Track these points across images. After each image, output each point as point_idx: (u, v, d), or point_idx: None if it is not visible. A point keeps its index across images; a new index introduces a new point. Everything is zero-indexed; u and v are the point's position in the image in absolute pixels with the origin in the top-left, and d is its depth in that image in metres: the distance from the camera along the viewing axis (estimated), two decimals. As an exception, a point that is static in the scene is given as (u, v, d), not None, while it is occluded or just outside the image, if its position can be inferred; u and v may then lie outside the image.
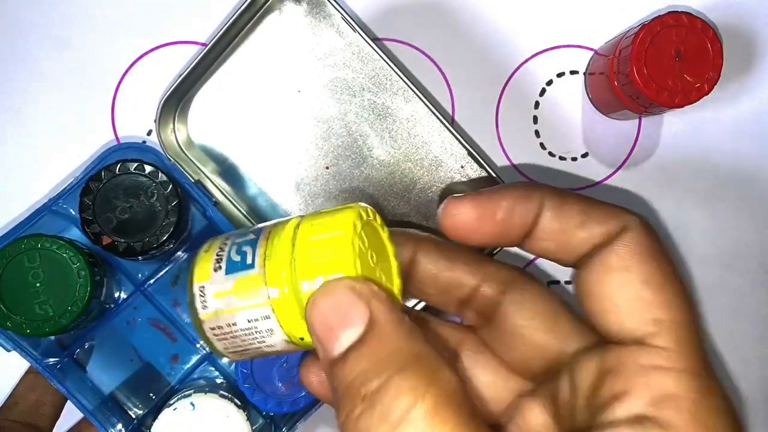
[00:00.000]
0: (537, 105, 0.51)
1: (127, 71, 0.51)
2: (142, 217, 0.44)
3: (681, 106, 0.44)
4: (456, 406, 0.23)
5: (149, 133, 0.51)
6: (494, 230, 0.29)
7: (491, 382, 0.32)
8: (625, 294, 0.27)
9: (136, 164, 0.44)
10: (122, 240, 0.44)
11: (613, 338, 0.27)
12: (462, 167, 0.48)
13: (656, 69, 0.43)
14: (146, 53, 0.51)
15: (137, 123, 0.51)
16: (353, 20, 0.46)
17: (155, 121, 0.48)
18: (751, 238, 0.51)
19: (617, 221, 0.28)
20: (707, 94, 0.44)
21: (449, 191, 0.48)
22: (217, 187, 0.49)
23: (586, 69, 0.51)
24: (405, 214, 0.49)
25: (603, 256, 0.27)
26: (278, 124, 0.49)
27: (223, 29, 0.46)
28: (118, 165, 0.44)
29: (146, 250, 0.44)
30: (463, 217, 0.30)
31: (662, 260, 0.27)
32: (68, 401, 0.48)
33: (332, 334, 0.25)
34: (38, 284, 0.43)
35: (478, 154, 0.47)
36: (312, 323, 0.25)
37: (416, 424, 0.23)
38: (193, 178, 0.48)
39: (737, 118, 0.50)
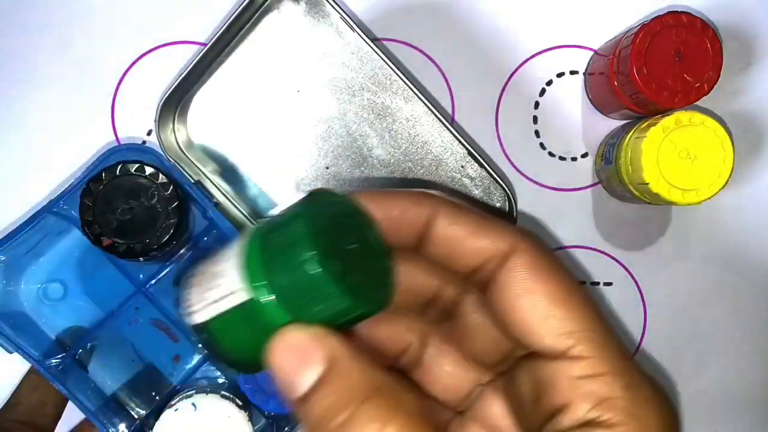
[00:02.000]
0: (537, 105, 0.51)
1: (127, 71, 0.51)
2: (143, 218, 0.44)
3: (681, 106, 0.44)
4: (420, 428, 0.25)
5: (149, 133, 0.51)
6: (389, 225, 0.30)
7: (452, 372, 0.34)
8: (537, 315, 0.28)
9: (136, 166, 0.44)
10: (122, 241, 0.44)
11: (537, 353, 0.29)
12: (462, 167, 0.48)
13: (656, 69, 0.43)
14: (146, 53, 0.51)
15: (137, 123, 0.51)
16: (352, 20, 0.46)
17: (155, 121, 0.48)
18: (751, 238, 0.51)
19: (507, 238, 0.29)
20: (707, 93, 0.44)
21: (450, 191, 0.48)
22: (218, 187, 0.49)
23: (586, 69, 0.51)
24: (405, 214, 0.49)
25: (505, 281, 0.29)
26: (278, 125, 0.49)
27: (222, 29, 0.46)
28: (119, 166, 0.44)
29: (146, 251, 0.44)
30: (378, 212, 0.31)
31: (561, 275, 0.29)
32: (68, 402, 0.48)
33: (294, 376, 0.26)
34: None
35: (479, 154, 0.47)
36: (273, 367, 0.27)
37: None
38: (193, 179, 0.48)
39: (736, 118, 0.50)
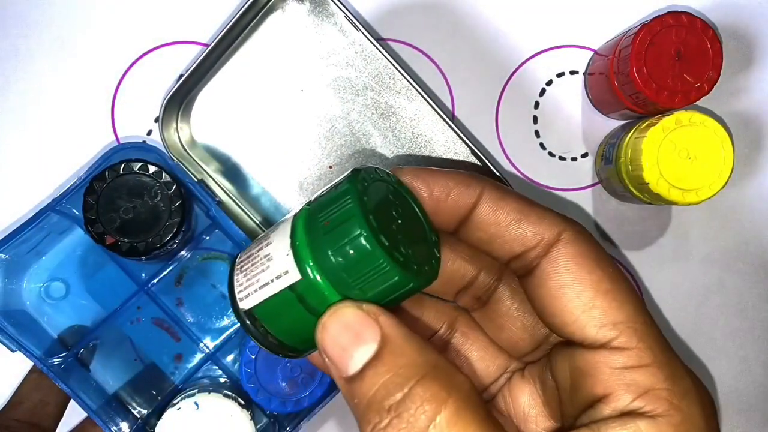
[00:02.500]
0: (537, 105, 0.51)
1: (127, 71, 0.51)
2: (146, 217, 0.44)
3: (681, 106, 0.44)
4: (474, 408, 0.25)
5: (149, 133, 0.51)
6: (428, 204, 0.30)
7: (481, 357, 0.34)
8: (581, 306, 0.28)
9: (140, 164, 0.44)
10: (125, 240, 0.44)
11: (577, 342, 0.29)
12: (465, 166, 0.48)
13: (656, 69, 0.44)
14: (146, 53, 0.51)
15: (137, 123, 0.51)
16: (356, 19, 0.46)
17: (158, 120, 0.48)
18: (751, 238, 0.52)
19: (552, 226, 0.29)
20: (707, 93, 0.44)
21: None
22: (220, 186, 0.49)
23: (586, 69, 0.51)
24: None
25: (549, 270, 0.29)
26: (281, 124, 0.49)
27: (226, 28, 0.46)
28: (122, 165, 0.44)
29: (149, 250, 0.44)
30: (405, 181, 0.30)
31: (605, 265, 0.29)
32: (71, 401, 0.48)
33: (345, 353, 0.26)
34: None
35: (482, 153, 0.47)
36: (324, 345, 0.27)
37: (442, 429, 0.24)
38: (196, 178, 0.48)
39: (735, 118, 0.51)
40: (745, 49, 0.51)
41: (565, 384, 0.29)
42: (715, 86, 0.44)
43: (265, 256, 0.28)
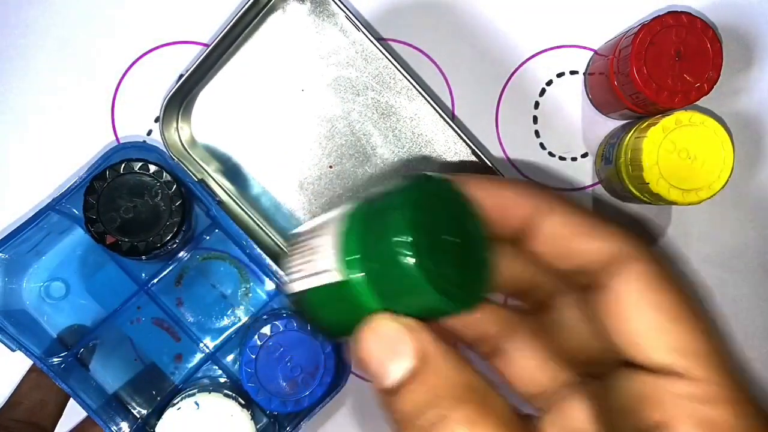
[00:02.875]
0: (537, 105, 0.51)
1: (127, 71, 0.51)
2: (146, 216, 0.44)
3: (681, 106, 0.44)
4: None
5: (149, 133, 0.51)
6: (493, 214, 0.30)
7: (537, 366, 0.33)
8: (650, 329, 0.27)
9: (140, 164, 0.44)
10: (126, 239, 0.44)
11: (641, 365, 0.27)
12: (466, 166, 0.48)
13: (656, 69, 0.44)
14: (146, 53, 0.51)
15: (137, 123, 0.51)
16: (357, 19, 0.46)
17: (159, 119, 0.48)
18: (751, 238, 0.52)
19: (619, 243, 0.28)
20: (707, 93, 0.44)
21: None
22: (221, 186, 0.49)
23: (586, 69, 0.51)
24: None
25: (619, 289, 0.28)
26: (282, 123, 0.49)
27: (227, 28, 0.46)
28: (123, 164, 0.44)
29: (150, 249, 0.44)
30: (482, 198, 0.30)
31: (676, 288, 0.28)
32: (70, 401, 0.48)
33: (382, 367, 0.26)
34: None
35: (482, 153, 0.47)
36: (360, 356, 0.27)
37: None
38: (196, 177, 0.48)
39: (736, 118, 0.51)
40: (746, 49, 0.51)
41: (622, 406, 0.28)
42: (715, 86, 0.44)
43: (313, 248, 0.28)
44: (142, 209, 0.44)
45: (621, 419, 0.28)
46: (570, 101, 0.51)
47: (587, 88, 0.51)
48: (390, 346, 0.26)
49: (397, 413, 0.26)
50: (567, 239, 0.29)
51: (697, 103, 0.45)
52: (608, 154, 0.48)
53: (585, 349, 0.31)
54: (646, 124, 0.45)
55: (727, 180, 0.43)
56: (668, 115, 0.44)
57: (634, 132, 0.46)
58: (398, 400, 0.26)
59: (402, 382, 0.26)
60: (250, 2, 0.46)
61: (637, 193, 0.46)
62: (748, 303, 0.52)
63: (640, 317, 0.27)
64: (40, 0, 0.51)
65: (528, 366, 0.33)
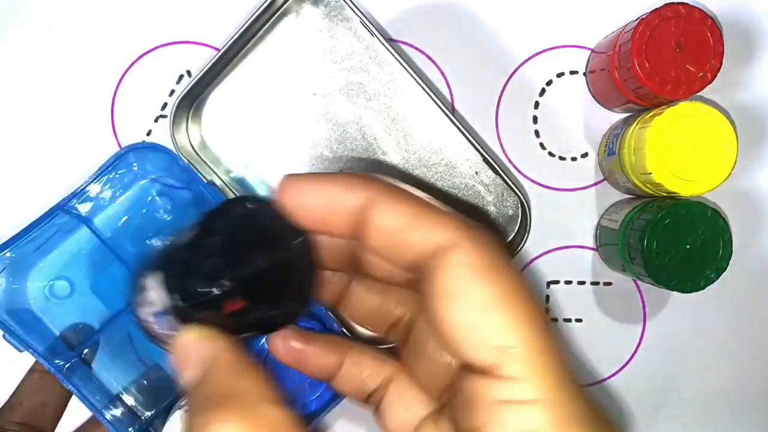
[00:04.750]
0: (537, 105, 0.52)
1: (127, 71, 0.51)
2: (277, 274, 0.29)
3: (685, 96, 0.44)
4: None
5: (149, 133, 0.51)
6: (318, 214, 0.28)
7: (404, 406, 0.32)
8: (465, 322, 0.25)
9: (261, 203, 0.30)
10: (256, 305, 0.28)
11: (467, 366, 0.25)
12: (476, 173, 0.49)
13: (658, 61, 0.43)
14: (146, 53, 0.51)
15: (137, 123, 0.51)
16: (372, 24, 0.46)
17: (169, 121, 0.48)
18: (751, 240, 0.52)
19: (447, 231, 0.26)
20: (710, 83, 0.44)
21: (463, 197, 0.49)
22: (230, 188, 0.49)
23: (586, 68, 0.51)
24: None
25: (436, 280, 0.25)
26: (293, 127, 0.49)
27: (240, 30, 0.46)
28: (244, 202, 0.30)
29: (288, 319, 0.31)
30: (300, 198, 0.28)
31: (503, 277, 0.25)
32: (69, 403, 0.47)
33: (180, 371, 0.28)
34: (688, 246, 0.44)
35: (494, 161, 0.47)
36: (172, 361, 0.28)
37: None
38: (206, 179, 0.48)
39: (740, 111, 0.51)
40: (748, 40, 0.51)
41: (460, 415, 0.26)
42: (718, 77, 0.44)
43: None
44: (271, 263, 0.29)
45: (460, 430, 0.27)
46: (570, 101, 0.52)
47: (589, 86, 0.51)
48: (185, 354, 0.27)
49: (191, 409, 0.27)
50: (397, 231, 0.26)
51: (701, 94, 0.45)
52: (612, 145, 0.48)
53: (443, 370, 0.29)
54: (650, 115, 0.45)
55: (730, 172, 0.43)
56: (673, 106, 0.44)
57: (638, 123, 0.46)
58: (187, 400, 0.27)
59: (188, 388, 0.27)
60: (264, 5, 0.46)
61: (640, 184, 0.46)
62: (749, 302, 0.52)
63: (457, 310, 0.25)
64: (41, 0, 0.50)
65: (400, 408, 0.31)
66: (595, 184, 0.52)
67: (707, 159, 0.43)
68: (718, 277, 0.44)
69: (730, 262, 0.44)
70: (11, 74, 0.50)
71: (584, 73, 0.52)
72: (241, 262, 0.28)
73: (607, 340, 0.53)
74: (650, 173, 0.44)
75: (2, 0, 0.50)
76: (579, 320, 0.53)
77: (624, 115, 0.51)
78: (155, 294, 0.28)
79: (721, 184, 0.44)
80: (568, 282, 0.53)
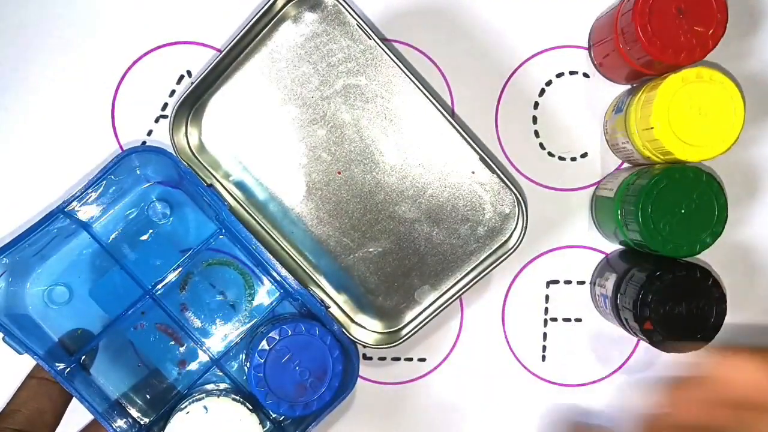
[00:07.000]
0: (536, 105, 0.52)
1: (127, 71, 0.51)
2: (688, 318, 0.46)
3: (690, 62, 0.44)
4: None
5: (149, 133, 0.51)
6: None
7: None
8: None
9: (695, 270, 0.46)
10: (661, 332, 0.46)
11: None
12: (473, 172, 0.49)
13: (660, 28, 0.43)
14: (146, 53, 0.51)
15: (137, 123, 0.51)
16: (369, 28, 0.47)
17: (168, 124, 0.48)
18: (751, 238, 0.53)
19: None
20: (712, 50, 0.44)
21: (460, 196, 0.49)
22: (229, 191, 0.50)
23: (588, 42, 0.51)
24: (416, 219, 0.50)
25: None
26: (291, 129, 0.49)
27: (240, 34, 0.46)
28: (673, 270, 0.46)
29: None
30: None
31: None
32: (70, 407, 0.47)
33: None
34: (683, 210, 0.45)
35: (491, 160, 0.47)
36: None
37: None
38: (205, 182, 0.48)
39: (747, 80, 0.51)
40: (749, 6, 0.51)
41: None
42: (719, 42, 0.44)
43: None
44: (686, 311, 0.46)
45: None
46: (569, 101, 0.52)
47: (593, 60, 0.52)
48: None
49: None
50: None
51: (718, 62, 0.46)
52: (621, 104, 0.48)
53: None
54: (662, 77, 0.45)
55: (735, 140, 0.44)
56: (690, 68, 0.44)
57: (646, 88, 0.46)
58: None
59: None
60: (263, 10, 0.46)
61: (639, 144, 0.46)
62: (749, 302, 0.53)
63: None
64: (41, 1, 0.51)
65: None
66: (595, 184, 0.53)
67: (714, 125, 0.44)
68: (713, 242, 0.45)
69: (724, 232, 0.45)
70: (11, 74, 0.51)
71: (588, 47, 0.52)
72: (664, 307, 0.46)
73: (607, 339, 0.53)
74: (652, 127, 0.43)
75: (2, 0, 0.50)
76: (579, 320, 0.53)
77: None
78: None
79: (723, 153, 0.44)
80: (568, 282, 0.53)
